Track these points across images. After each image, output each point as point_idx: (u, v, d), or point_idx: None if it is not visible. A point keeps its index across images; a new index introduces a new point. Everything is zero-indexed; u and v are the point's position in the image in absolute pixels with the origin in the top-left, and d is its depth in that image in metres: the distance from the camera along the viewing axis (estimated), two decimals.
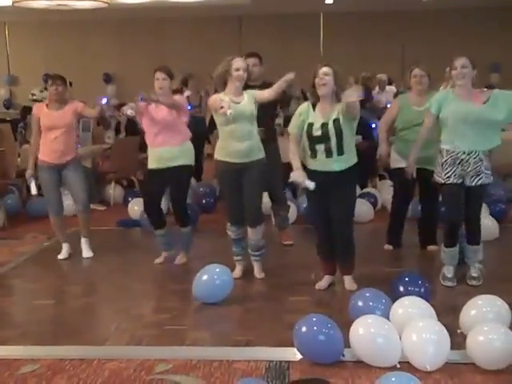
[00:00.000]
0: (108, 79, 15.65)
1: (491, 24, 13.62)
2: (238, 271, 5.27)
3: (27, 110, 9.61)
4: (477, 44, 13.23)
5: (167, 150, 5.38)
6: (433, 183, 5.52)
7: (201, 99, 8.82)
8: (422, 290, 4.36)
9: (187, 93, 8.20)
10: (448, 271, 4.96)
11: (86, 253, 6.00)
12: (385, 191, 7.54)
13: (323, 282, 4.95)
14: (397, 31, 14.36)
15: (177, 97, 5.50)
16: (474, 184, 4.75)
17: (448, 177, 4.79)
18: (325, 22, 14.90)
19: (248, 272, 5.31)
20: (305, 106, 4.75)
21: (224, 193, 5.32)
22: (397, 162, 5.76)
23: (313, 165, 4.69)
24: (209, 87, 10.17)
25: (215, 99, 4.88)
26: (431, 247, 5.88)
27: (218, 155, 5.11)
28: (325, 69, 4.59)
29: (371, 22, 14.18)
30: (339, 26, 14.44)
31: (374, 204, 7.40)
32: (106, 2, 11.30)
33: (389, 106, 6.12)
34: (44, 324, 4.47)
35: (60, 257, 5.96)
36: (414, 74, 5.64)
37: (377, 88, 10.67)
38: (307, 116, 4.68)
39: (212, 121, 8.89)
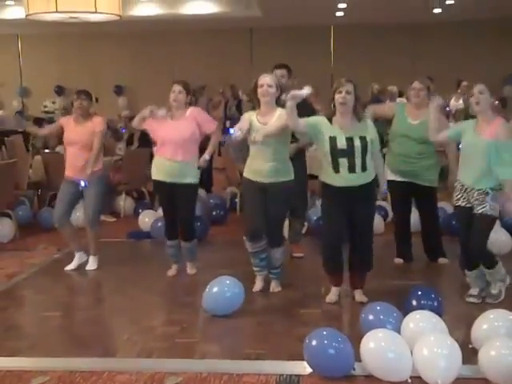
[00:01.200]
0: (119, 91, 15.74)
1: (503, 36, 13.59)
2: (258, 284, 5.24)
3: (39, 122, 9.69)
4: (489, 57, 13.24)
5: (176, 165, 5.38)
6: (427, 197, 5.55)
7: (208, 111, 8.83)
8: (435, 303, 4.33)
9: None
10: (474, 290, 4.90)
11: (90, 265, 5.96)
12: None
13: (332, 295, 4.93)
14: (408, 44, 14.38)
15: (207, 120, 5.52)
16: (476, 212, 4.70)
17: (457, 199, 4.82)
18: (335, 35, 14.94)
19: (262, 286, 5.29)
20: (321, 120, 4.71)
21: (245, 207, 5.33)
22: (388, 174, 5.69)
23: (335, 180, 4.68)
24: (216, 98, 10.27)
25: (243, 120, 4.97)
26: (441, 260, 5.87)
27: (245, 172, 5.14)
28: (347, 87, 4.60)
29: (382, 34, 14.20)
30: (350, 38, 14.47)
31: (385, 217, 7.37)
32: (118, 15, 11.38)
33: None
34: (54, 336, 4.48)
35: (68, 268, 5.93)
36: (413, 87, 5.64)
37: (388, 100, 10.67)
38: (325, 130, 4.65)
39: (223, 133, 8.87)
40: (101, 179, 5.90)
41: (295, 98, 4.53)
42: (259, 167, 4.98)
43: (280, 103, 4.97)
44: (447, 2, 11.78)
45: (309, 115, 4.86)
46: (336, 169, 4.64)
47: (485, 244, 4.74)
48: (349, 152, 4.60)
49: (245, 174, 5.14)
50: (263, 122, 4.94)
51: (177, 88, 5.38)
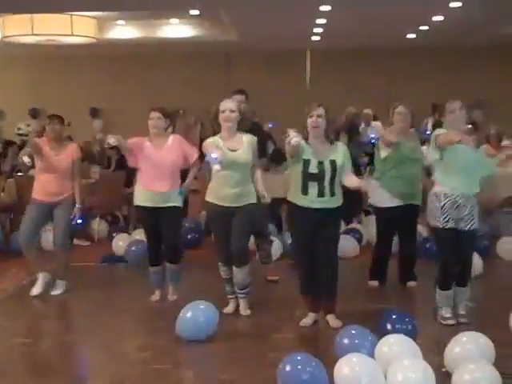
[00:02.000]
0: (94, 113, 15.67)
1: (474, 62, 13.83)
2: (230, 307, 5.26)
3: (9, 144, 9.61)
4: (461, 81, 13.43)
5: (160, 194, 5.35)
6: (415, 217, 5.60)
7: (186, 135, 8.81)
8: (409, 327, 4.33)
9: None
10: (446, 311, 4.90)
11: (56, 290, 5.84)
12: (370, 227, 7.53)
13: (308, 319, 4.90)
14: (382, 67, 14.55)
15: (189, 150, 5.45)
16: (467, 228, 4.77)
17: (446, 221, 4.77)
18: (311, 59, 15.07)
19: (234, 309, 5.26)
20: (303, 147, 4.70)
21: (214, 234, 5.30)
22: (380, 201, 5.77)
23: (302, 201, 4.70)
24: (194, 120, 10.26)
25: (209, 144, 4.94)
26: (410, 283, 5.89)
27: (209, 197, 5.12)
28: (319, 111, 4.65)
29: (357, 58, 14.35)
30: (325, 62, 14.59)
31: (359, 240, 7.38)
32: (95, 38, 11.40)
33: (373, 141, 6.14)
34: (23, 363, 4.40)
35: (33, 292, 5.79)
36: (398, 112, 5.69)
37: (363, 124, 10.75)
38: (303, 151, 4.67)
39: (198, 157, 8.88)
40: (72, 203, 5.84)
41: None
42: (224, 193, 5.01)
43: (242, 128, 5.04)
44: (420, 28, 11.95)
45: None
46: (305, 191, 4.67)
47: (472, 258, 4.99)
48: (319, 176, 4.64)
49: (208, 199, 5.12)
50: (232, 148, 4.97)
51: (155, 115, 5.36)
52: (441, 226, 4.79)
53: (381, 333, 4.18)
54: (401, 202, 5.68)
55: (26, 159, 5.76)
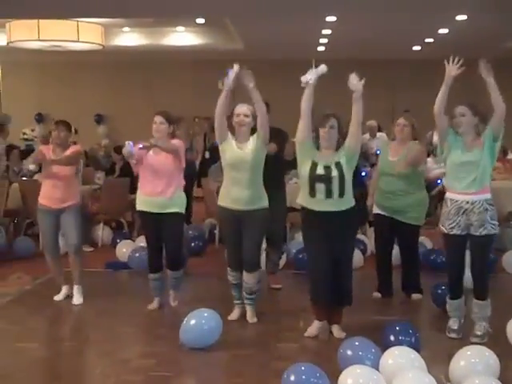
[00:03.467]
0: (99, 120, 15.71)
1: (480, 75, 13.83)
2: (235, 313, 5.25)
3: (11, 149, 9.61)
4: (465, 94, 13.43)
5: (160, 199, 5.33)
6: (409, 235, 5.54)
7: (191, 142, 8.85)
8: (413, 339, 4.32)
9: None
10: (453, 323, 4.83)
11: (77, 299, 5.82)
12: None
13: (313, 329, 4.87)
14: (387, 79, 14.56)
15: (174, 141, 5.41)
16: (478, 234, 4.65)
17: (452, 227, 4.71)
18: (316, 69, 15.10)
19: (241, 315, 5.26)
20: (312, 144, 4.73)
21: (225, 238, 5.29)
22: (375, 208, 5.85)
23: (311, 204, 4.69)
24: (197, 129, 10.29)
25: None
26: (415, 296, 5.86)
27: (220, 201, 5.13)
28: (331, 122, 4.64)
29: (363, 69, 14.22)
30: (331, 72, 14.60)
31: (364, 251, 7.37)
32: (101, 45, 11.43)
33: (378, 152, 6.20)
34: (26, 368, 4.37)
35: (56, 298, 5.83)
36: (398, 123, 5.74)
37: (367, 135, 10.76)
38: (313, 154, 4.68)
39: (202, 164, 8.90)
40: (78, 209, 5.85)
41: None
42: (236, 195, 5.00)
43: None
44: (426, 40, 11.99)
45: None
46: (312, 193, 4.66)
47: (487, 265, 4.79)
48: (326, 178, 4.62)
49: (220, 203, 5.14)
50: (241, 147, 4.99)
51: (158, 119, 5.35)
52: (445, 232, 4.76)
53: (384, 345, 4.17)
54: (386, 213, 5.71)
55: (31, 167, 5.78)
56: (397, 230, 5.74)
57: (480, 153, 4.65)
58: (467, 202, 4.65)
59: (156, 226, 5.39)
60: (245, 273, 5.13)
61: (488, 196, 4.68)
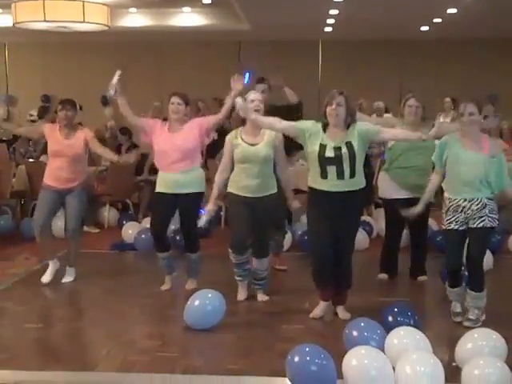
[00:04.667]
0: (105, 101, 15.67)
1: (489, 55, 13.72)
2: (241, 293, 5.27)
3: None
4: (474, 75, 13.35)
5: (181, 176, 5.29)
6: (425, 212, 5.53)
7: None
8: (412, 321, 4.30)
9: None
10: (456, 307, 4.85)
11: (66, 278, 5.86)
12: (380, 219, 7.51)
13: (318, 311, 4.88)
14: (395, 59, 14.45)
15: (211, 117, 5.50)
16: (475, 226, 4.65)
17: (450, 223, 4.72)
18: (323, 50, 15.00)
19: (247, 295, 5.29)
20: (318, 126, 4.67)
21: (230, 220, 5.31)
22: (391, 192, 5.74)
23: (322, 185, 4.64)
24: (200, 104, 10.23)
25: (227, 142, 5.11)
26: (421, 278, 5.86)
27: (230, 187, 5.16)
28: (339, 99, 4.58)
29: (369, 50, 14.27)
30: (338, 53, 14.52)
31: (370, 232, 7.37)
32: (106, 25, 11.37)
33: None
34: (33, 348, 4.42)
35: (44, 279, 5.82)
36: (410, 104, 5.62)
37: (374, 116, 10.69)
38: (318, 137, 4.63)
39: (210, 146, 8.85)
40: (84, 189, 5.84)
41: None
42: (246, 183, 5.05)
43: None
44: (434, 20, 11.88)
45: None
46: (324, 176, 4.61)
47: (483, 258, 4.77)
48: (337, 161, 4.57)
49: (230, 190, 5.16)
50: (251, 142, 5.01)
51: (176, 100, 5.33)
52: (444, 228, 4.80)
53: (385, 327, 4.17)
54: (409, 195, 5.61)
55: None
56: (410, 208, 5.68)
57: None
58: (465, 200, 4.66)
59: (172, 205, 5.37)
60: (255, 259, 5.17)
61: (488, 193, 4.67)
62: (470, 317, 4.71)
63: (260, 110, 4.99)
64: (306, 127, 4.67)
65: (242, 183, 5.07)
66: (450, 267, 4.84)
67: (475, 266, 4.75)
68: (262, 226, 5.13)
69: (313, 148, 4.62)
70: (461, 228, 4.69)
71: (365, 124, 4.75)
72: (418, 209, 4.99)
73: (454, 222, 4.70)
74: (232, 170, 5.16)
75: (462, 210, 4.67)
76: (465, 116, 4.64)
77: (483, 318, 4.73)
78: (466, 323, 4.67)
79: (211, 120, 5.45)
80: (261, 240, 5.14)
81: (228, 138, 5.14)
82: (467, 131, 4.68)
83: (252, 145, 5.02)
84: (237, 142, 5.06)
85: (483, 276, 4.77)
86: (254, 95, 5.11)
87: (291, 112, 5.78)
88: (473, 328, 4.34)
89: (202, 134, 5.36)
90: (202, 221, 5.17)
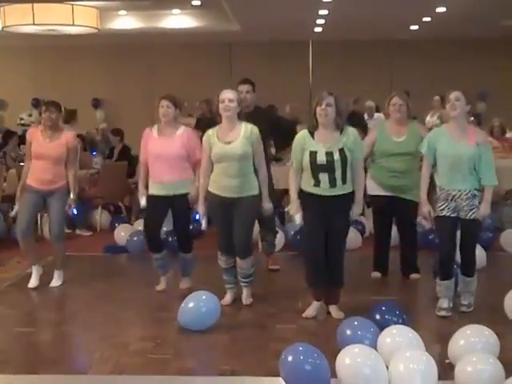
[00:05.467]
0: (97, 104, 15.65)
1: (478, 53, 13.78)
2: (228, 298, 5.25)
3: (9, 134, 9.57)
4: (464, 73, 13.39)
5: (174, 178, 5.30)
6: (409, 212, 5.58)
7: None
8: (400, 320, 4.30)
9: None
10: (443, 303, 4.91)
11: (55, 282, 5.83)
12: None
13: (311, 311, 4.89)
14: (385, 59, 14.50)
15: (195, 147, 5.35)
16: (467, 217, 4.78)
17: (441, 209, 4.84)
18: (314, 50, 15.02)
19: (235, 299, 5.27)
20: (303, 135, 4.72)
21: (215, 223, 5.29)
22: (372, 189, 5.77)
23: (315, 190, 4.68)
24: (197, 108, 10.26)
25: (205, 140, 5.04)
26: (413, 275, 5.87)
27: (210, 187, 5.10)
28: (328, 99, 4.59)
29: (360, 50, 14.31)
30: (328, 53, 14.55)
31: (362, 231, 7.38)
32: (96, 28, 11.34)
33: None
34: (25, 352, 4.39)
35: (30, 285, 5.77)
36: (394, 103, 5.64)
37: (366, 115, 10.73)
38: (307, 144, 4.67)
39: None
40: (66, 193, 5.78)
41: None
42: (225, 183, 4.99)
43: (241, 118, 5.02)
44: (424, 19, 11.91)
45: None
46: (316, 183, 4.65)
47: (476, 245, 5.01)
48: (329, 167, 4.60)
49: (210, 189, 5.10)
50: (226, 140, 4.94)
51: (165, 103, 5.31)
52: (436, 214, 4.89)
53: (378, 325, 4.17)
54: (387, 193, 5.68)
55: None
56: (397, 208, 5.72)
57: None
58: (454, 190, 4.78)
59: (165, 206, 5.39)
60: (238, 259, 5.15)
61: (477, 184, 4.79)
62: (464, 302, 4.97)
63: (230, 109, 4.93)
64: (298, 149, 4.71)
65: (222, 183, 5.01)
66: (442, 255, 4.91)
67: (469, 253, 4.93)
68: (242, 226, 5.04)
69: (305, 158, 4.66)
70: (452, 215, 4.81)
71: (355, 134, 4.74)
72: (424, 210, 5.02)
73: (446, 209, 4.82)
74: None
75: (452, 199, 4.79)
76: (451, 101, 4.72)
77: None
78: (462, 308, 4.93)
79: (195, 152, 5.33)
80: (242, 240, 5.07)
81: (205, 138, 5.06)
82: (454, 117, 4.75)
83: (227, 143, 4.93)
84: (213, 141, 4.98)
85: (475, 261, 4.99)
86: (225, 94, 4.96)
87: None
88: (467, 312, 4.75)
89: (186, 149, 5.33)
90: (203, 224, 5.15)
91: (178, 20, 12.72)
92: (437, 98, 10.56)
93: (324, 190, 4.65)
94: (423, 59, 14.19)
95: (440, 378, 3.57)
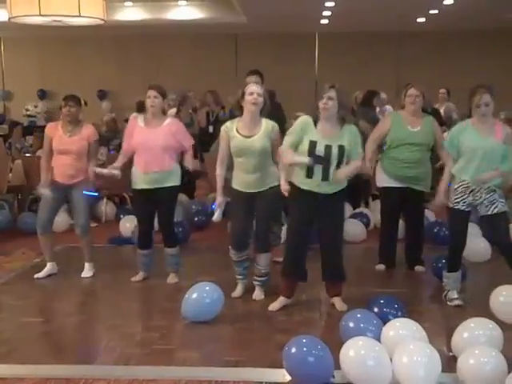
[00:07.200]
0: (102, 95, 15.66)
1: (485, 45, 13.73)
2: (238, 290, 5.24)
3: (13, 125, 9.61)
4: (470, 65, 13.34)
5: (158, 174, 5.34)
6: (420, 202, 5.57)
7: (191, 117, 8.78)
8: (399, 313, 4.31)
9: (171, 111, 7.96)
10: (452, 294, 4.93)
11: (85, 273, 5.89)
12: (377, 211, 7.50)
13: (277, 303, 4.92)
14: (391, 51, 14.47)
15: (187, 143, 5.44)
16: (490, 213, 4.75)
17: (457, 202, 4.81)
18: (320, 42, 14.99)
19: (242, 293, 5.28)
20: (307, 120, 4.68)
21: (231, 217, 5.28)
22: (383, 180, 5.77)
23: (305, 184, 4.67)
24: (198, 103, 10.23)
25: (223, 133, 5.00)
26: (418, 268, 5.87)
27: (233, 183, 5.10)
28: (330, 93, 4.57)
29: (366, 42, 14.28)
30: (334, 45, 14.52)
31: (367, 224, 7.38)
32: (102, 19, 11.33)
33: None
34: (32, 342, 4.41)
35: (38, 275, 5.82)
36: (410, 94, 5.64)
37: (377, 108, 10.65)
38: (308, 132, 4.63)
39: (205, 139, 8.79)
40: (88, 186, 5.81)
41: None
42: (245, 179, 4.98)
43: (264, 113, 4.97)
44: (431, 12, 11.86)
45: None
46: (309, 175, 4.62)
47: (510, 238, 4.86)
48: (325, 159, 4.58)
49: (233, 185, 5.09)
50: (247, 134, 4.90)
51: (152, 93, 5.31)
52: (451, 206, 4.84)
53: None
54: (398, 185, 5.67)
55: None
56: (407, 199, 5.70)
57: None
58: (474, 183, 4.75)
59: (150, 201, 5.41)
60: (257, 254, 5.13)
61: (497, 180, 4.77)
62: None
63: (258, 103, 4.87)
64: (298, 131, 4.66)
65: (242, 178, 5.00)
66: (452, 246, 4.90)
67: (508, 248, 4.80)
68: (264, 220, 5.05)
69: (303, 146, 4.62)
70: (467, 209, 4.81)
71: (355, 133, 4.72)
72: (438, 200, 5.02)
73: (461, 203, 4.80)
74: (231, 160, 5.10)
75: (470, 192, 4.76)
76: (481, 107, 4.71)
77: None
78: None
79: (184, 143, 5.41)
80: (262, 234, 5.07)
81: (223, 128, 5.02)
82: (483, 119, 4.75)
83: (248, 137, 4.91)
84: (233, 134, 4.95)
85: None
86: (253, 88, 4.89)
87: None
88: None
89: (175, 140, 5.37)
90: (216, 215, 5.12)
91: (184, 11, 12.71)
92: (443, 90, 10.53)
93: (315, 183, 4.61)
94: (430, 51, 14.14)
95: (443, 370, 3.58)
